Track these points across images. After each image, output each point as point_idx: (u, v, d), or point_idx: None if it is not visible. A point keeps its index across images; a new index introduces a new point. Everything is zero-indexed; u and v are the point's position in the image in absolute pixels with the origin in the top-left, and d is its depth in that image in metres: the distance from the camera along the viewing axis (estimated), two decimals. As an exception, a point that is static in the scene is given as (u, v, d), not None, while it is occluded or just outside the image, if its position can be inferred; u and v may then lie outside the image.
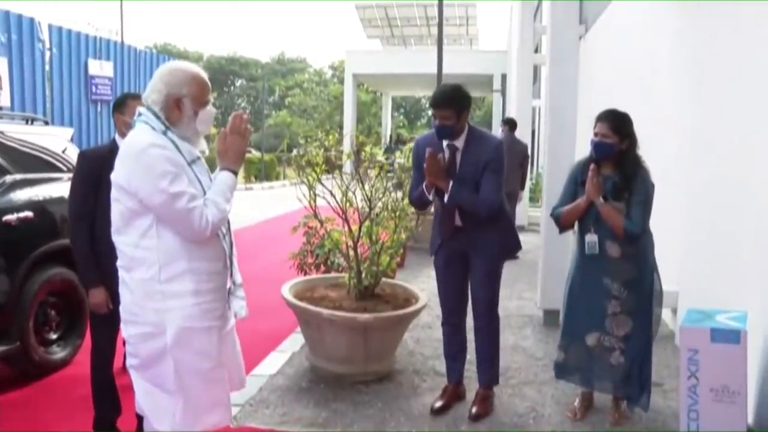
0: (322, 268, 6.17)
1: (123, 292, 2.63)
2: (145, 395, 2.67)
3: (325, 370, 4.53)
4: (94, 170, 3.54)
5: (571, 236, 6.22)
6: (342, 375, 4.44)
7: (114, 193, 2.55)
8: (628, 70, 7.97)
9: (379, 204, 4.98)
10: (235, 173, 2.66)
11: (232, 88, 69.99)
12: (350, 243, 4.74)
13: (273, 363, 4.89)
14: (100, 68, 11.05)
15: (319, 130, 5.00)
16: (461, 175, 3.85)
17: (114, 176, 2.53)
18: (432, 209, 4.26)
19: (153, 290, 2.50)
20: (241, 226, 13.12)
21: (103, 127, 11.02)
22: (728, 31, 4.66)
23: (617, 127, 3.74)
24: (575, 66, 6.17)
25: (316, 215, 4.93)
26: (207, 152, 2.82)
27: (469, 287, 4.11)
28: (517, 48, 14.84)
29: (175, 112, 2.56)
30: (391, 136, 37.42)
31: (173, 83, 2.56)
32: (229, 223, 2.71)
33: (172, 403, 2.58)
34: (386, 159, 5.63)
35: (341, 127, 28.52)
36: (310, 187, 4.76)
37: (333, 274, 5.52)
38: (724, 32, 4.75)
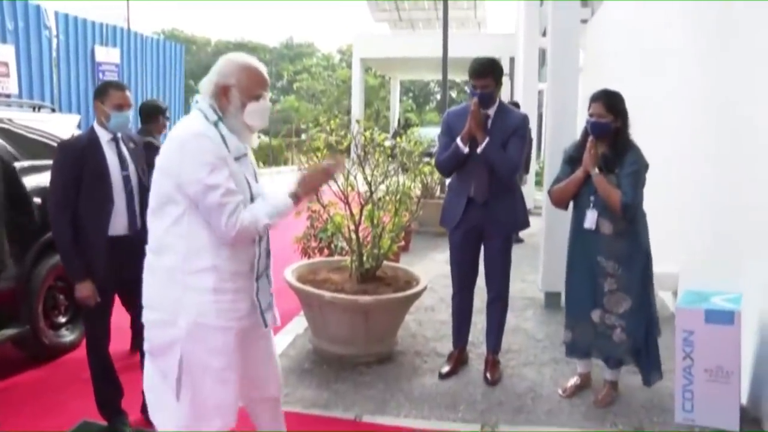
0: (326, 251, 6.25)
1: (147, 276, 2.59)
2: (150, 383, 2.65)
3: (328, 351, 4.60)
4: (75, 161, 3.47)
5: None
6: (344, 356, 4.52)
7: (155, 175, 2.55)
8: (635, 52, 7.96)
9: (382, 187, 5.04)
10: (297, 201, 2.65)
11: (240, 73, 69.56)
12: (352, 227, 4.80)
13: (276, 345, 4.96)
14: (107, 55, 11.09)
15: (321, 115, 5.03)
16: (491, 139, 4.16)
17: (158, 158, 2.54)
18: (446, 186, 4.51)
19: (175, 279, 2.47)
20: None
21: (111, 113, 11.08)
22: (740, 11, 4.64)
23: (611, 105, 3.83)
24: (576, 50, 6.19)
25: (318, 199, 4.98)
26: (254, 147, 2.80)
27: (483, 261, 4.41)
28: (523, 31, 14.79)
29: (223, 101, 2.55)
30: (399, 120, 37.29)
31: (223, 72, 2.57)
32: (268, 231, 2.69)
33: (171, 398, 2.54)
34: (390, 144, 5.67)
35: (349, 112, 28.41)
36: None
37: (336, 258, 5.59)
38: (735, 13, 4.74)
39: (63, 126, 5.31)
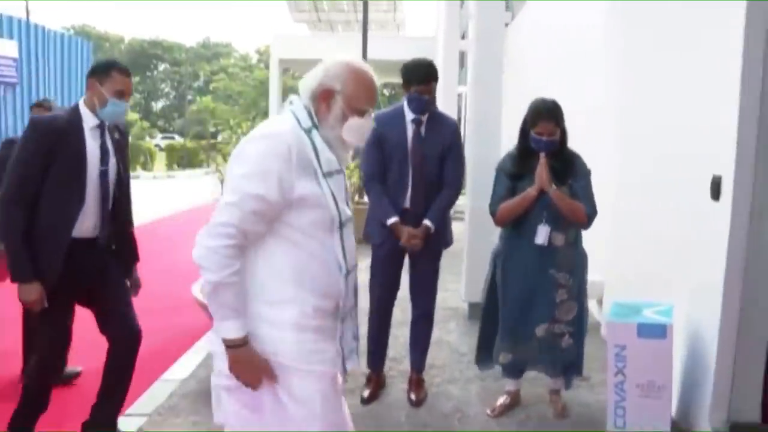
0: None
1: None
2: (237, 417, 2.21)
3: (241, 372, 4.26)
4: (48, 143, 2.96)
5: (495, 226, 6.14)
6: (258, 378, 4.19)
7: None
8: (555, 57, 7.93)
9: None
10: (227, 344, 2.05)
11: (155, 72, 68.15)
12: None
13: (186, 365, 4.61)
14: (3, 47, 10.29)
15: (233, 118, 4.67)
16: (427, 149, 3.97)
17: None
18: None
19: (253, 311, 2.08)
20: (162, 216, 12.66)
21: (7, 112, 10.28)
22: (652, 13, 4.60)
23: (558, 120, 3.66)
24: (500, 54, 6.06)
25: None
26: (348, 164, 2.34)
27: (410, 277, 4.17)
28: (443, 34, 14.76)
29: (322, 107, 2.14)
30: (318, 122, 37.02)
31: (331, 73, 2.16)
32: (355, 262, 2.27)
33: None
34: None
35: (267, 114, 27.93)
36: (222, 180, 4.47)
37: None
38: (647, 14, 4.71)
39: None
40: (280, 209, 2.03)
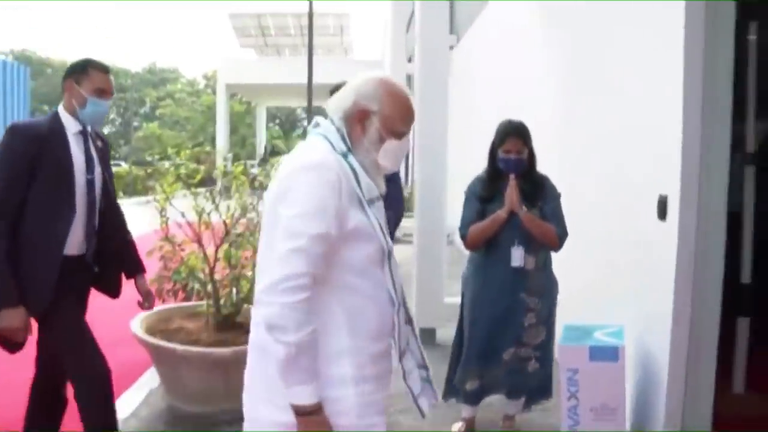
0: (181, 294, 5.65)
1: (255, 362, 1.95)
2: None
3: (184, 410, 4.10)
4: (30, 149, 2.71)
5: (445, 249, 6.10)
6: (202, 416, 4.03)
7: (265, 224, 1.95)
8: (500, 78, 7.97)
9: (244, 221, 4.59)
10: (299, 410, 1.80)
11: (99, 99, 66.84)
12: (207, 269, 4.31)
13: (127, 404, 4.37)
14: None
15: (168, 147, 4.50)
16: None
17: (266, 199, 1.96)
18: None
19: None
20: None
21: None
22: (592, 32, 4.64)
23: (526, 139, 3.67)
24: (445, 76, 6.08)
25: (168, 239, 4.45)
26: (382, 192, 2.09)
27: None
28: (390, 58, 14.81)
29: (356, 129, 1.96)
30: (266, 148, 36.83)
31: (365, 92, 1.96)
32: (403, 293, 2.05)
33: None
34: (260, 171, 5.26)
35: (214, 139, 27.63)
36: (162, 210, 4.28)
37: (192, 302, 5.04)
38: (588, 34, 4.76)
39: None
40: (337, 246, 1.84)
